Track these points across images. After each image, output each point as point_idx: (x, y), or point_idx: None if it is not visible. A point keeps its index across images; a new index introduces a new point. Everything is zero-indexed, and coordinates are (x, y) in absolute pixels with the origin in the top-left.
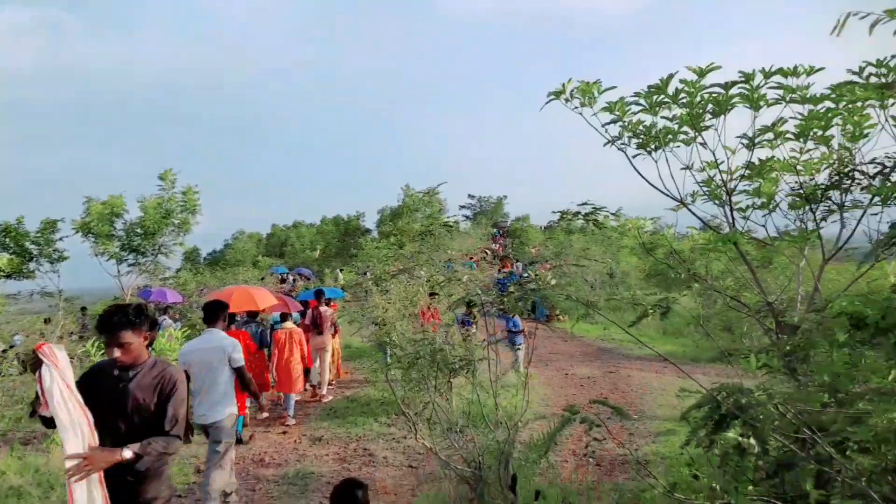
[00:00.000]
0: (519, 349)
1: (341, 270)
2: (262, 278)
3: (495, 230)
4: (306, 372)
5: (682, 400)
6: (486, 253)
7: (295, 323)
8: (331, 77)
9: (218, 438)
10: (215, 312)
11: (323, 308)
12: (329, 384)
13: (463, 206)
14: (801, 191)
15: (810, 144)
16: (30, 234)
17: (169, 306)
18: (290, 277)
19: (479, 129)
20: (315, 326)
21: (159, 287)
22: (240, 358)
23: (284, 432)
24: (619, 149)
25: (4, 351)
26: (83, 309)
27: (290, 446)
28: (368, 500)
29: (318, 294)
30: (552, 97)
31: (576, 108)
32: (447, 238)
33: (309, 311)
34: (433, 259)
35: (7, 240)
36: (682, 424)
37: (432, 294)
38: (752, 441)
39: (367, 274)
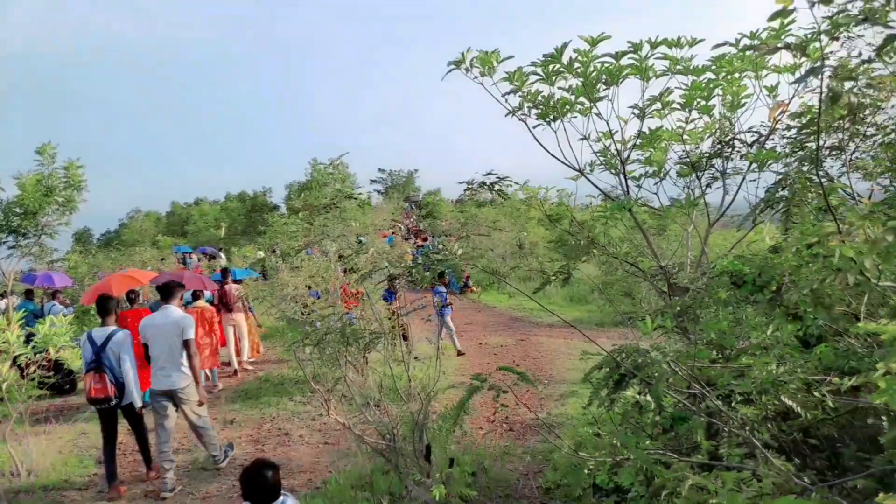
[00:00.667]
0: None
1: (260, 250)
2: (163, 259)
3: (407, 204)
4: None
5: (585, 362)
6: (398, 227)
7: (209, 302)
8: (233, 47)
9: (190, 400)
10: (171, 291)
11: (229, 286)
12: (249, 362)
13: (374, 181)
14: (688, 159)
15: (695, 114)
16: None
17: (57, 291)
18: (194, 257)
19: (386, 100)
20: (223, 304)
21: (45, 271)
22: (191, 332)
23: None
24: (519, 119)
25: None
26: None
27: None
28: (279, 480)
29: (224, 273)
30: (452, 67)
31: (476, 77)
32: (358, 212)
33: (216, 291)
34: (344, 234)
35: None
36: (586, 386)
37: (347, 270)
38: (649, 398)
39: (276, 251)
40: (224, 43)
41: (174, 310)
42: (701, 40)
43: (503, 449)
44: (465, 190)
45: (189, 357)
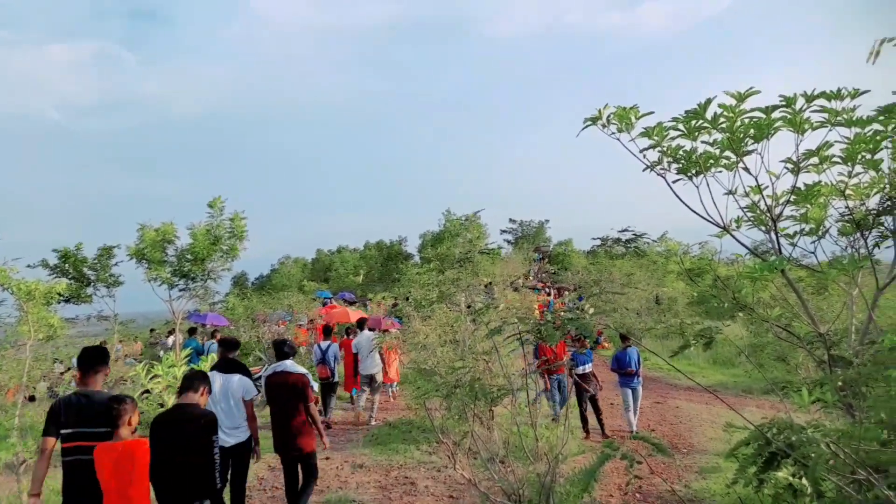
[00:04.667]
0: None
1: (389, 297)
2: (314, 299)
3: (537, 255)
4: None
5: (730, 435)
6: (527, 278)
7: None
8: (374, 107)
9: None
10: (361, 323)
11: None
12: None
13: (504, 231)
14: (851, 216)
15: (858, 168)
16: (87, 259)
17: (216, 330)
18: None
19: (521, 156)
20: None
21: (208, 311)
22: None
23: (327, 458)
24: (658, 174)
25: (63, 373)
26: (152, 330)
27: (333, 472)
28: None
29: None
30: (589, 123)
31: (613, 133)
32: (488, 263)
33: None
34: (473, 286)
35: (66, 265)
36: (730, 461)
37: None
38: (805, 482)
39: (409, 300)
40: (370, 101)
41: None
42: (865, 91)
43: None
44: (598, 246)
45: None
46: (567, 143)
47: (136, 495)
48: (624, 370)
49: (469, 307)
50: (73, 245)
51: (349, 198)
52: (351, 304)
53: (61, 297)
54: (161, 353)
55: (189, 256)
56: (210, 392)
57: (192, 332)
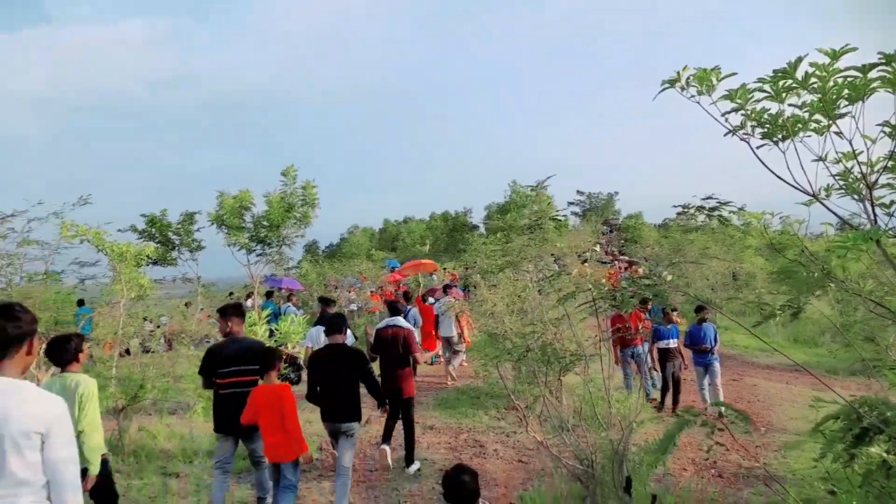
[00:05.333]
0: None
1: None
2: (382, 268)
3: (606, 227)
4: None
5: (816, 411)
6: (595, 251)
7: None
8: (440, 78)
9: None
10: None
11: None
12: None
13: (571, 203)
14: None
15: None
16: (172, 225)
17: (292, 294)
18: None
19: (588, 125)
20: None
21: (283, 276)
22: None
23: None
24: (741, 139)
25: (152, 331)
26: (231, 293)
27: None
28: (478, 487)
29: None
30: (666, 85)
31: (692, 96)
32: (555, 234)
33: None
34: (540, 255)
35: (153, 230)
36: (814, 439)
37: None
38: None
39: (475, 268)
40: (437, 72)
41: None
42: None
43: (710, 495)
44: (678, 214)
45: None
46: (639, 111)
47: (290, 426)
48: (698, 346)
49: (541, 274)
50: (159, 211)
51: (416, 169)
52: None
53: (150, 260)
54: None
55: (265, 223)
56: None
57: (269, 295)
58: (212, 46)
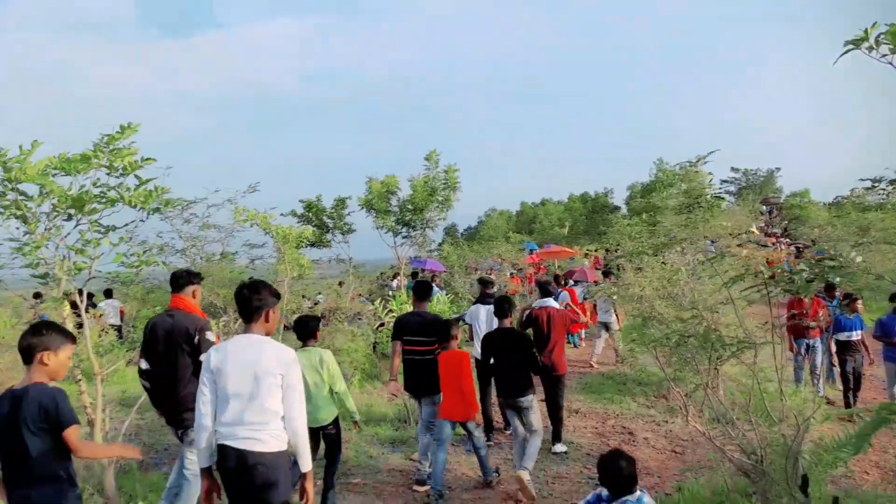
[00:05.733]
0: None
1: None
2: (521, 250)
3: (765, 207)
4: None
5: None
6: (752, 233)
7: None
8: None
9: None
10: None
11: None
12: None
13: (725, 181)
14: None
15: None
16: (326, 209)
17: (435, 275)
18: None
19: (743, 97)
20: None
21: (427, 258)
22: None
23: (542, 400)
24: None
25: (311, 307)
26: (381, 273)
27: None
28: (635, 473)
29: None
30: (850, 46)
31: (884, 56)
32: (707, 215)
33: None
34: (691, 238)
35: (310, 214)
36: None
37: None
38: None
39: (619, 251)
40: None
41: None
42: None
43: None
44: (869, 188)
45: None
46: (811, 77)
47: (467, 389)
48: (891, 339)
49: (698, 256)
50: (315, 196)
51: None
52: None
53: (308, 242)
54: (389, 293)
55: (409, 206)
56: None
57: (414, 275)
58: (359, 38)
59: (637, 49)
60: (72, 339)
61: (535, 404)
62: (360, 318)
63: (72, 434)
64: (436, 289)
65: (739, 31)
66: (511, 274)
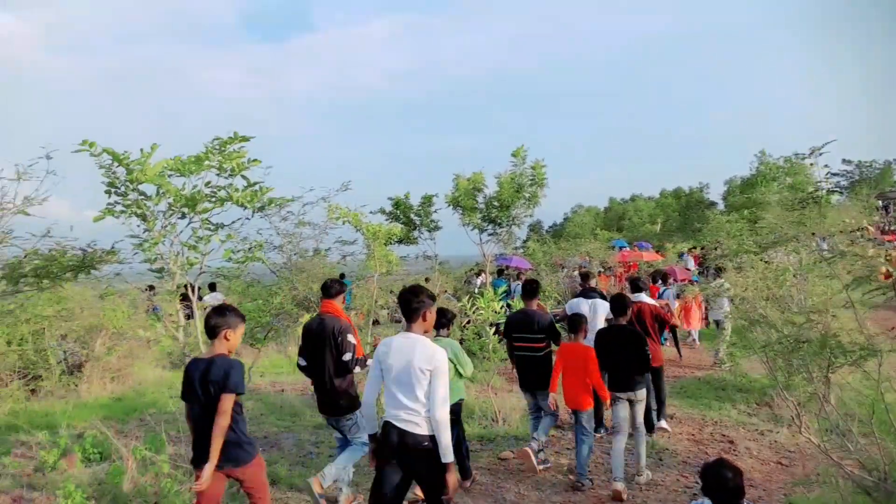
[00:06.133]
0: None
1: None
2: (610, 248)
3: (881, 202)
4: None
5: None
6: (866, 231)
7: None
8: (669, 40)
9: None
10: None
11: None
12: None
13: (835, 174)
14: None
15: None
16: (413, 206)
17: (521, 272)
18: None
19: (858, 82)
20: None
21: (512, 255)
22: None
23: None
24: None
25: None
26: (468, 271)
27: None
28: (743, 485)
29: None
30: None
31: None
32: (814, 213)
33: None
34: (801, 235)
35: (398, 211)
36: None
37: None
38: None
39: (717, 250)
40: (670, 35)
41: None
42: None
43: None
44: None
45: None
46: None
47: (593, 381)
48: None
49: (813, 255)
50: (403, 194)
51: (642, 145)
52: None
53: (396, 239)
54: (475, 290)
55: (496, 203)
56: None
57: (500, 273)
58: (446, 35)
59: (740, 29)
60: (243, 318)
61: (644, 399)
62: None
63: (225, 399)
64: (521, 286)
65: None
66: (599, 272)
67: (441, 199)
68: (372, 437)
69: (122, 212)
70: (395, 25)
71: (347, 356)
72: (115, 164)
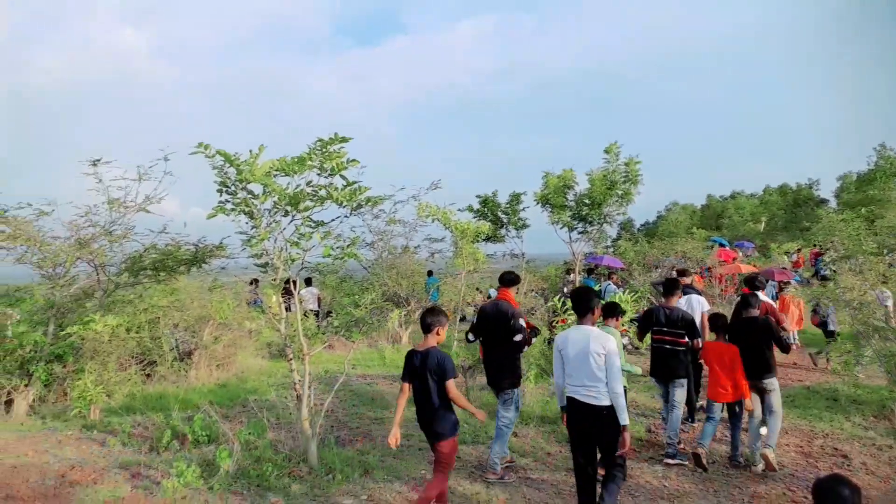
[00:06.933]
0: None
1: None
2: (711, 247)
3: None
4: None
5: None
6: None
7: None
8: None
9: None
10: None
11: None
12: None
13: None
14: None
15: None
16: (501, 204)
17: (612, 272)
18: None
19: None
20: None
21: (603, 254)
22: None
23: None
24: None
25: (485, 300)
26: (567, 272)
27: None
28: (859, 503)
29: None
30: None
31: None
32: None
33: None
34: None
35: (486, 209)
36: None
37: None
38: None
39: (830, 250)
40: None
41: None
42: None
43: None
44: None
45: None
46: None
47: (737, 377)
48: None
49: None
50: (491, 192)
51: (745, 141)
52: (747, 253)
53: (484, 237)
54: (565, 289)
55: (587, 201)
56: None
57: (589, 272)
58: (536, 34)
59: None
60: (447, 317)
61: (776, 386)
62: (533, 314)
63: (450, 384)
64: (612, 286)
65: None
66: (695, 272)
67: (530, 197)
68: (562, 408)
69: (233, 209)
70: (485, 25)
71: (518, 337)
72: (227, 164)
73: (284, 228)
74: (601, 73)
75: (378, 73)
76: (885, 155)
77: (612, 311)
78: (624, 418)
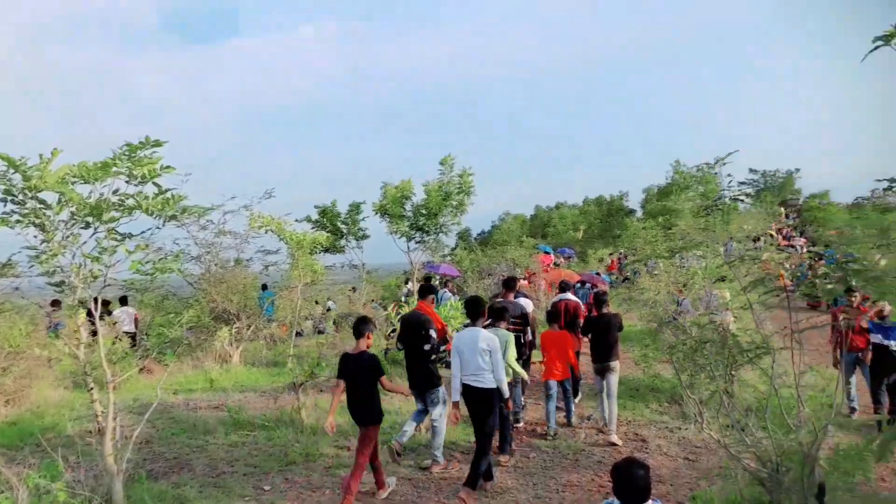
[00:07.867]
0: None
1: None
2: (531, 256)
3: (783, 209)
4: None
5: None
6: (771, 235)
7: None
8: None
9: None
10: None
11: None
12: None
13: (743, 183)
14: None
15: None
16: (340, 214)
17: (448, 280)
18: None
19: (764, 97)
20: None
21: (440, 262)
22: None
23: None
24: None
25: (324, 314)
26: (406, 281)
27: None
28: (650, 483)
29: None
30: (880, 43)
31: None
32: (721, 221)
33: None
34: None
35: (324, 220)
36: None
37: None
38: None
39: (634, 255)
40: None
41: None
42: None
43: None
44: (885, 189)
45: None
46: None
47: (570, 358)
48: None
49: (716, 259)
50: (330, 202)
51: (567, 153)
52: (567, 258)
53: (322, 248)
54: (402, 298)
55: (423, 211)
56: None
57: (426, 279)
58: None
59: (649, 49)
60: (376, 325)
61: (618, 368)
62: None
63: (384, 379)
64: (448, 294)
65: (752, 33)
66: (521, 278)
67: (369, 207)
68: (455, 403)
69: (18, 221)
70: (326, 31)
71: (427, 346)
72: (11, 170)
73: (84, 242)
74: (440, 84)
75: (215, 75)
76: (679, 170)
77: (500, 314)
78: (505, 391)
